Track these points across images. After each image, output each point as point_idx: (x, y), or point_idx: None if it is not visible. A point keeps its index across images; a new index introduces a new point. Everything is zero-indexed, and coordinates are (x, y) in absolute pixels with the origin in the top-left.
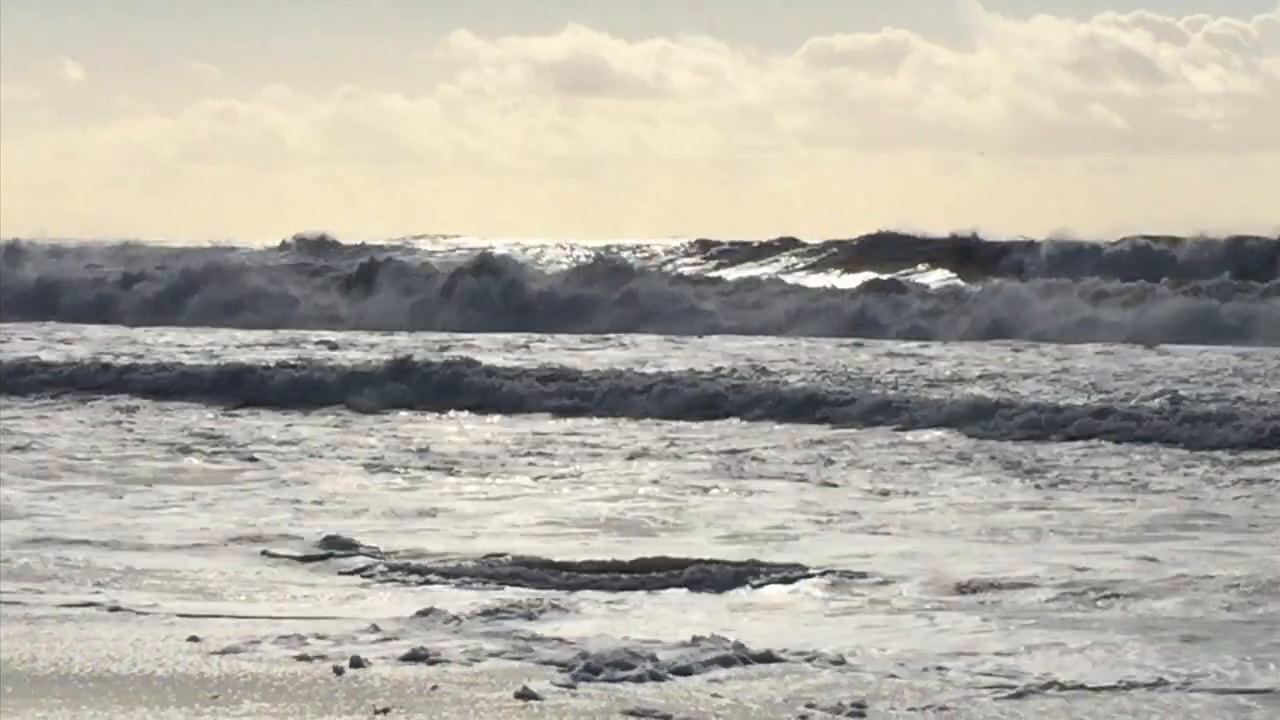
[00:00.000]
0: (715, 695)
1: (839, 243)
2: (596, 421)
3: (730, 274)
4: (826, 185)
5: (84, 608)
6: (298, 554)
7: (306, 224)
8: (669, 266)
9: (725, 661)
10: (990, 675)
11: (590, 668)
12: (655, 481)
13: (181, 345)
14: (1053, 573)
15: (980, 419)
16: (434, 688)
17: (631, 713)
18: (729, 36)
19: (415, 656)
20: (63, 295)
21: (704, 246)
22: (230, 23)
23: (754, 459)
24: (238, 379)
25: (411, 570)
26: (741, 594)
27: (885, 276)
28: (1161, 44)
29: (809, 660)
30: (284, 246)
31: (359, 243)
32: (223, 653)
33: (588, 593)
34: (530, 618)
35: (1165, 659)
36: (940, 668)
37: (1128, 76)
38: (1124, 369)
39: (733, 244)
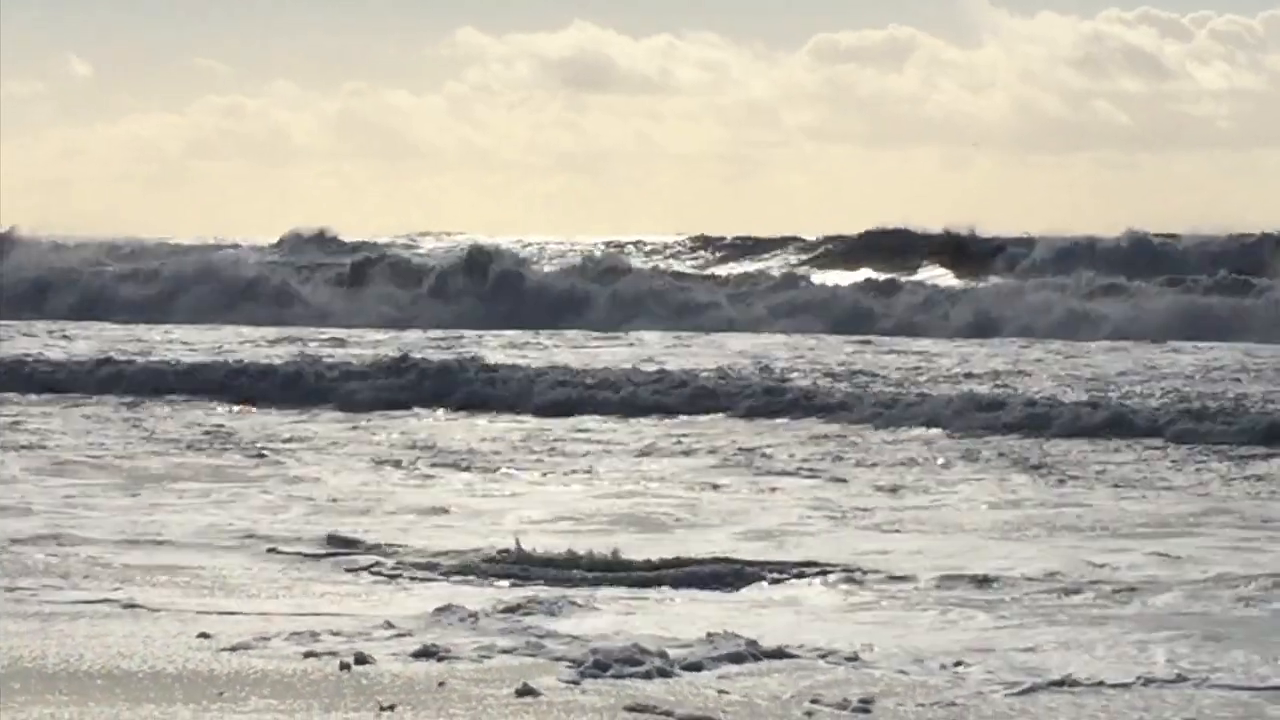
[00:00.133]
0: (723, 691)
1: (838, 238)
2: (601, 418)
3: (728, 269)
4: (833, 181)
5: (96, 604)
6: (310, 551)
7: (313, 220)
8: (665, 262)
9: (736, 658)
10: (1005, 672)
11: (599, 664)
12: (666, 478)
13: (185, 343)
14: (1068, 569)
15: (987, 416)
16: (441, 684)
17: (633, 708)
18: (734, 33)
19: (425, 653)
20: (51, 291)
21: (704, 243)
22: (236, 19)
23: (762, 455)
24: (244, 376)
25: (428, 567)
26: (758, 590)
27: (880, 274)
28: (1166, 40)
29: (823, 657)
30: (281, 243)
31: (359, 239)
32: (233, 649)
33: (607, 590)
34: (552, 614)
35: (1183, 655)
36: (958, 663)
37: (1132, 73)
38: (1126, 365)
39: (733, 240)
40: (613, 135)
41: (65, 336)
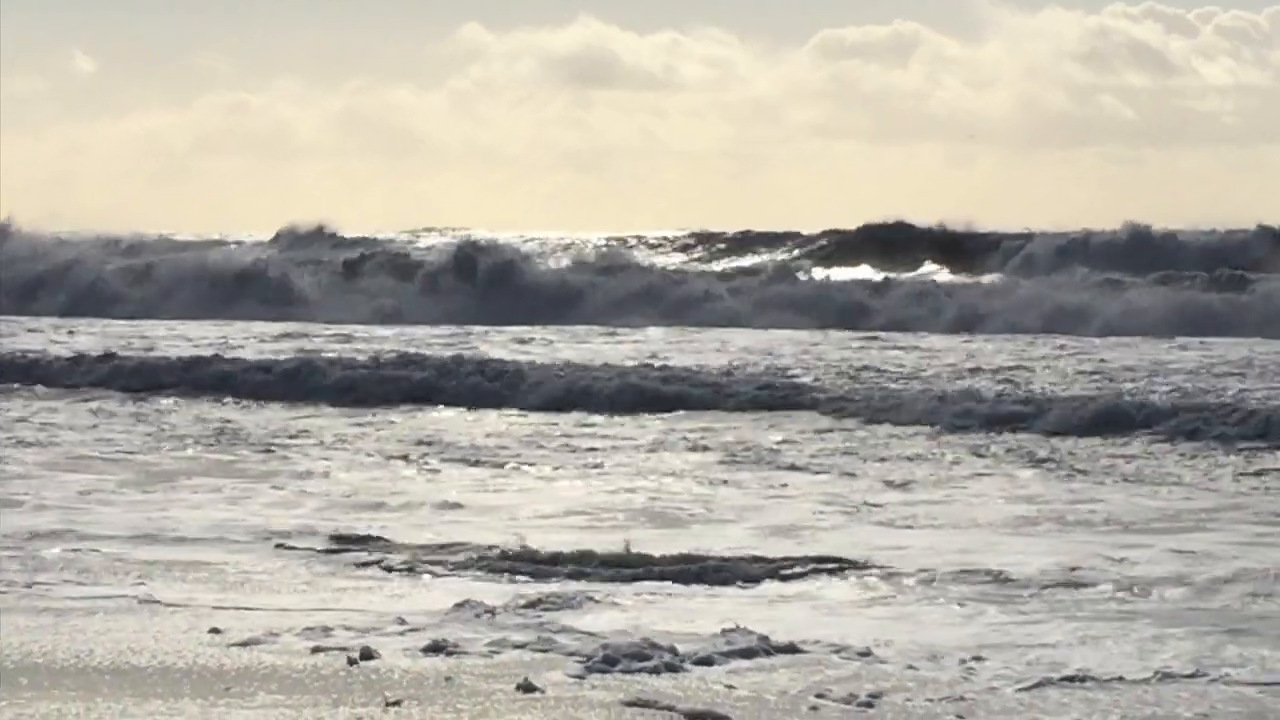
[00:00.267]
0: (731, 686)
1: (833, 233)
2: (607, 414)
3: (724, 265)
4: (837, 177)
5: (108, 600)
6: (323, 547)
7: (317, 217)
8: (662, 258)
9: (747, 653)
10: (1018, 667)
11: (607, 659)
12: (677, 474)
13: (189, 338)
14: (1082, 564)
15: (992, 411)
16: (448, 679)
17: (633, 703)
18: (739, 29)
19: (435, 648)
20: (44, 285)
21: (702, 238)
22: (240, 16)
23: (770, 451)
24: (250, 372)
25: (444, 563)
26: (775, 586)
27: (876, 269)
28: (1172, 36)
29: (836, 652)
30: (278, 239)
31: (359, 235)
32: (243, 644)
33: (626, 585)
34: (571, 609)
35: (1197, 651)
36: (976, 658)
37: (1138, 68)
38: (1130, 360)
39: (730, 235)
40: (617, 132)
41: (70, 332)
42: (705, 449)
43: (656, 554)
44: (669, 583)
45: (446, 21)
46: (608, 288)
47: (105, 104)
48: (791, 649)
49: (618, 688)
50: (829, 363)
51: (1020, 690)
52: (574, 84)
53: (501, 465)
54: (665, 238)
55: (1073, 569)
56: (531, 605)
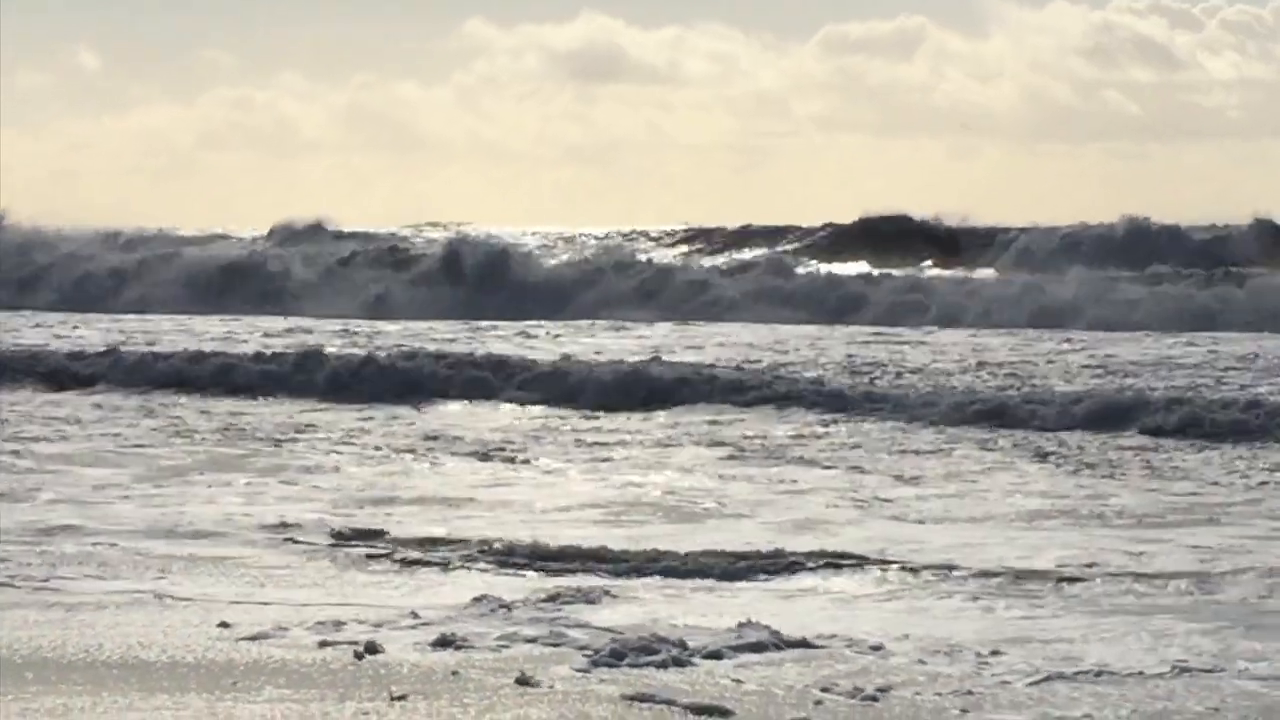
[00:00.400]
0: (738, 681)
1: (830, 226)
2: (610, 409)
3: (723, 259)
4: (842, 171)
5: (119, 594)
6: (334, 542)
7: (321, 211)
8: (658, 253)
9: (757, 647)
10: (1031, 662)
11: (614, 653)
12: (688, 469)
13: (194, 333)
14: (1099, 559)
15: (995, 407)
16: (454, 673)
17: (633, 697)
18: (744, 23)
19: (443, 642)
20: (36, 280)
21: (700, 233)
22: (244, 11)
23: (778, 446)
24: (255, 365)
25: (458, 557)
26: (791, 581)
27: (871, 263)
28: (1176, 30)
29: (849, 646)
30: (271, 234)
31: (358, 229)
32: (252, 639)
33: (645, 580)
34: (589, 604)
35: (1212, 646)
36: (994, 653)
37: (1143, 63)
38: (1128, 355)
39: (727, 229)
40: (622, 126)
41: (76, 327)
42: (712, 444)
43: (673, 549)
44: (690, 578)
45: (451, 17)
46: (602, 282)
47: (109, 100)
48: (803, 644)
49: (625, 682)
50: (832, 358)
51: (1030, 685)
52: (578, 79)
53: (511, 459)
54: (666, 231)
55: (1088, 564)
56: (550, 599)
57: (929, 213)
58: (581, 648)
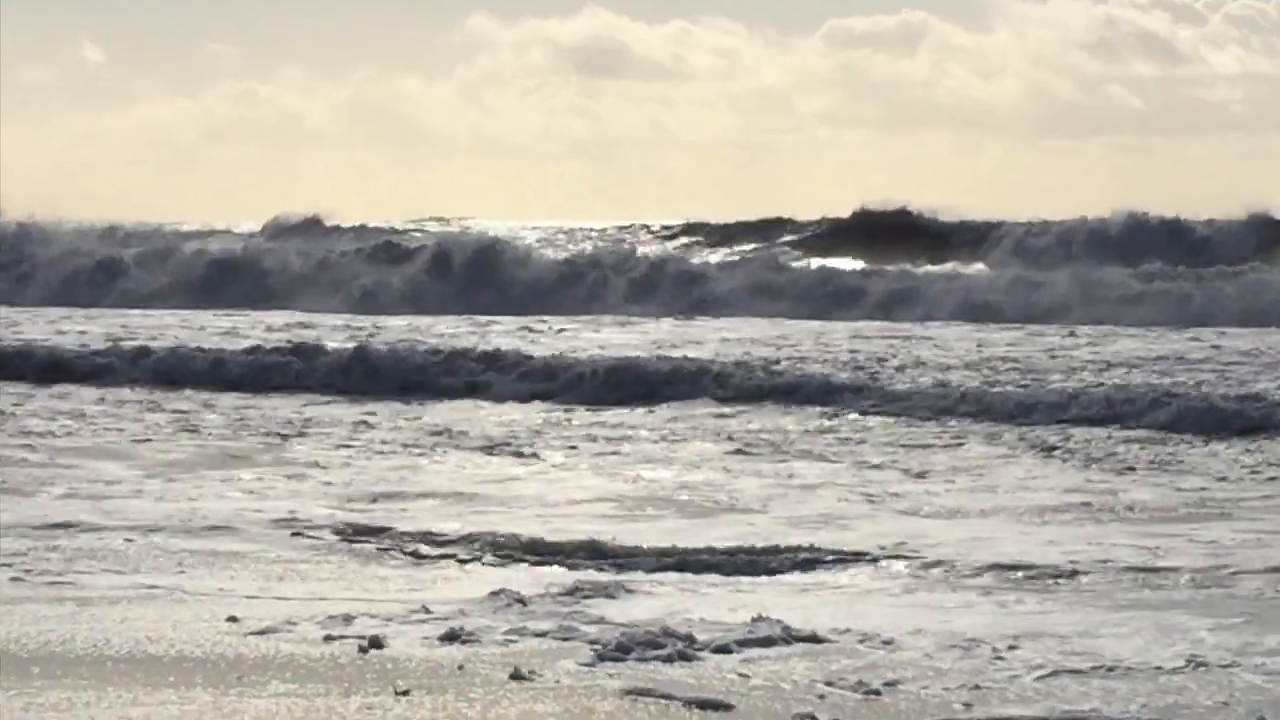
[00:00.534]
0: (743, 675)
1: (830, 221)
2: (613, 403)
3: (713, 253)
4: (845, 167)
5: (130, 589)
6: (346, 536)
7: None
8: (655, 247)
9: (766, 642)
10: (1042, 657)
11: (621, 647)
12: (698, 464)
13: (199, 328)
14: (1109, 554)
15: (997, 401)
16: (460, 668)
17: (631, 691)
18: (747, 18)
19: (451, 637)
20: (29, 274)
21: (695, 228)
22: (247, 5)
23: (784, 440)
24: (261, 362)
25: (471, 552)
26: (808, 576)
27: (862, 258)
28: (1180, 25)
29: (861, 641)
30: (263, 230)
31: (352, 224)
32: (260, 633)
33: (661, 574)
34: (609, 598)
35: (1226, 641)
36: (1010, 647)
37: (1146, 57)
38: (1131, 350)
39: (723, 224)
40: (626, 122)
41: (69, 319)
42: (720, 438)
43: (689, 544)
44: (707, 573)
45: (454, 11)
46: (594, 277)
47: (113, 94)
48: (813, 638)
49: (630, 676)
50: (833, 352)
51: (1038, 679)
52: (582, 74)
53: (519, 454)
54: (662, 225)
55: (1102, 560)
56: (569, 593)
57: (925, 206)
58: (591, 642)
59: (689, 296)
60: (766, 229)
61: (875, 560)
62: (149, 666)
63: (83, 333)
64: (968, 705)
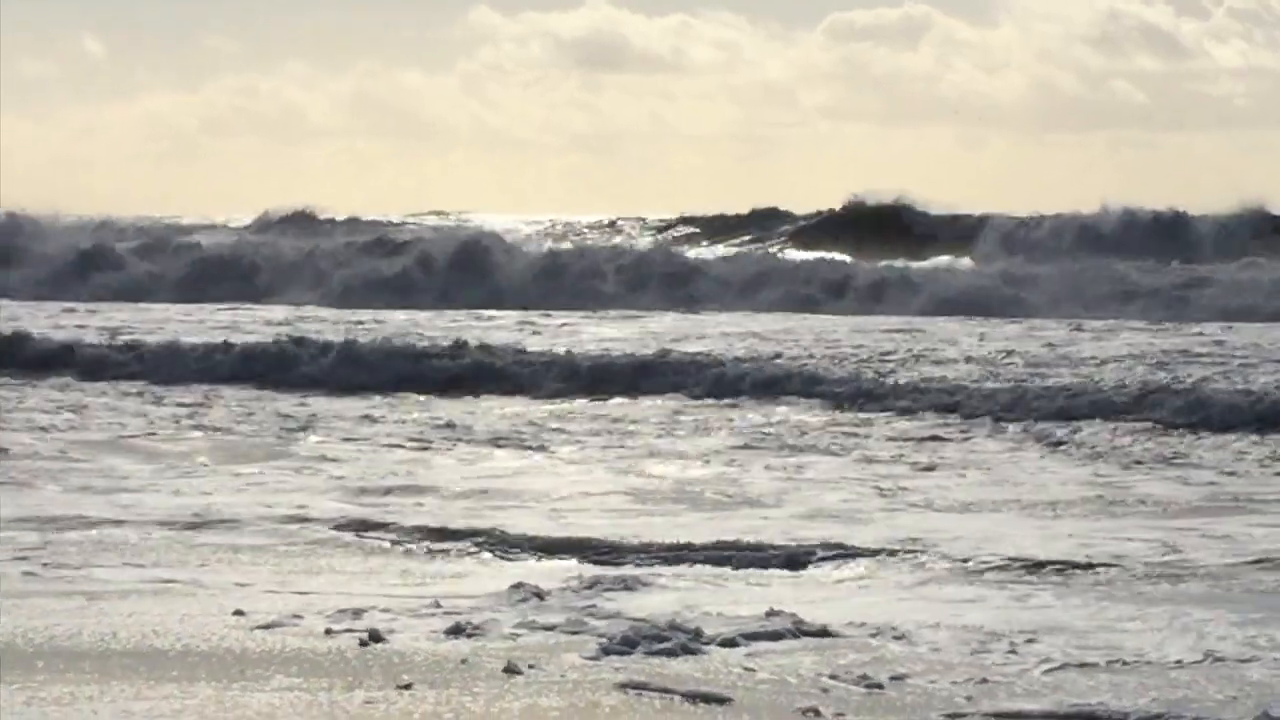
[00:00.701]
0: (749, 669)
1: (824, 214)
2: (617, 398)
3: (706, 246)
4: (847, 160)
5: (139, 584)
6: (356, 530)
7: (323, 200)
8: (648, 240)
9: (775, 635)
10: (1057, 651)
11: (626, 640)
12: (707, 459)
13: (201, 322)
14: (1123, 548)
15: (998, 396)
16: (464, 662)
17: (627, 685)
18: (749, 12)
19: (457, 630)
20: (23, 270)
21: (689, 220)
22: None
23: (790, 435)
24: (266, 358)
25: (485, 546)
26: (823, 570)
27: (857, 251)
28: (1183, 18)
29: (873, 635)
30: (251, 225)
31: (352, 217)
32: (266, 627)
33: (677, 568)
34: (623, 591)
35: (1238, 634)
36: (1027, 640)
37: (1150, 52)
38: (1132, 346)
39: (718, 216)
40: (627, 115)
41: (83, 315)
42: (729, 432)
43: (705, 538)
44: (723, 567)
45: (455, 4)
46: (585, 270)
47: (114, 87)
48: (824, 632)
49: (634, 670)
50: (834, 346)
51: (1046, 672)
52: (583, 67)
53: (527, 449)
54: (657, 219)
55: (1117, 554)
56: (589, 586)
57: (925, 201)
58: (600, 636)
59: (683, 290)
60: (761, 221)
61: (890, 554)
62: (153, 660)
63: (80, 327)
64: (971, 699)
